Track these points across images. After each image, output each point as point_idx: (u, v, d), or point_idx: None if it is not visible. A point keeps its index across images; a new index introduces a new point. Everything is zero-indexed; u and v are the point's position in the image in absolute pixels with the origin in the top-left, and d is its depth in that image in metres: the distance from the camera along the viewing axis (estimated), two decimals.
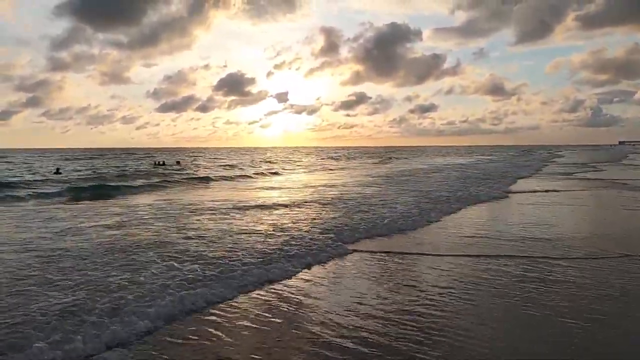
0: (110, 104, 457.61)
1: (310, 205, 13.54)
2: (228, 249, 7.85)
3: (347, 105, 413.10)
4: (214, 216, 11.60)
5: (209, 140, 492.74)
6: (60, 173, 30.14)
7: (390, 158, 62.64)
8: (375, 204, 13.42)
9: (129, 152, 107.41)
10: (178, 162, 44.77)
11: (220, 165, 41.16)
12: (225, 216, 11.61)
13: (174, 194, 18.58)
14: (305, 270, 6.88)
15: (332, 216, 11.34)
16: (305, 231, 9.44)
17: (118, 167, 39.12)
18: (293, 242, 8.36)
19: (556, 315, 4.93)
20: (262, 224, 10.40)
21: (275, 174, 32.59)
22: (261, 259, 7.13)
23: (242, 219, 11.10)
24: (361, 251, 8.06)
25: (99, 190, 19.04)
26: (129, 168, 36.80)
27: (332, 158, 63.65)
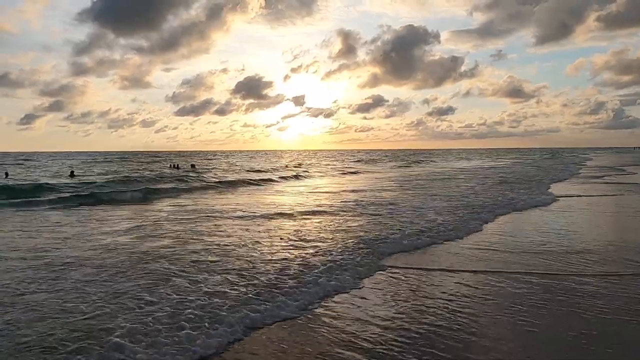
0: (131, 107, 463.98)
1: (340, 213, 12.43)
2: (264, 260, 7.00)
3: (364, 108, 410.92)
4: (242, 223, 10.67)
5: (227, 143, 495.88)
6: (74, 176, 29.93)
7: (417, 161, 60.12)
8: (409, 212, 12.26)
9: (148, 155, 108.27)
10: (193, 166, 44.20)
11: (244, 169, 39.87)
12: (254, 224, 10.69)
13: (201, 199, 17.48)
14: (342, 288, 5.87)
15: (364, 225, 10.26)
16: (337, 243, 8.38)
17: (138, 169, 38.82)
18: (325, 256, 7.35)
19: None
20: (290, 233, 9.40)
21: (298, 177, 31.35)
22: (290, 274, 6.23)
23: (270, 228, 10.14)
24: (397, 267, 6.98)
25: (119, 195, 18.10)
26: (145, 171, 36.09)
27: (354, 161, 62.02)
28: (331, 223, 10.64)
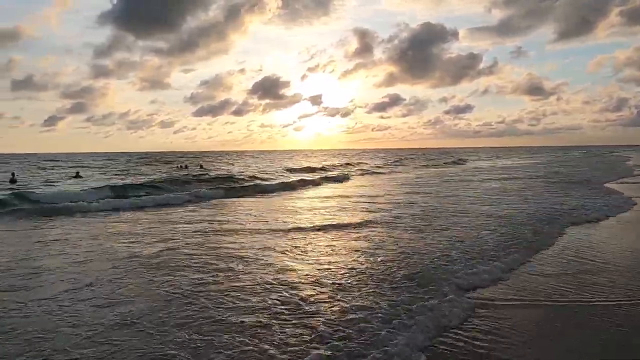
0: (150, 109, 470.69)
1: (395, 225, 10.23)
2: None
3: (381, 107, 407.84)
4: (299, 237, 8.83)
5: (244, 143, 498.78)
6: (80, 177, 29.24)
7: (454, 161, 56.23)
8: (471, 223, 10.20)
9: (166, 155, 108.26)
10: (201, 166, 44.01)
11: (292, 168, 37.61)
12: (307, 237, 8.82)
13: (228, 206, 15.48)
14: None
15: (430, 244, 8.19)
16: (412, 269, 6.43)
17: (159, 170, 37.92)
18: (398, 288, 5.47)
19: None
20: (343, 254, 7.50)
21: (335, 179, 27.50)
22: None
23: (317, 243, 8.27)
24: (490, 302, 5.21)
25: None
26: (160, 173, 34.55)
27: (388, 161, 58.99)
28: (392, 241, 8.69)
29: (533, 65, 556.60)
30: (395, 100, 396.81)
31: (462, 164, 50.43)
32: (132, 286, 5.82)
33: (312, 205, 14.62)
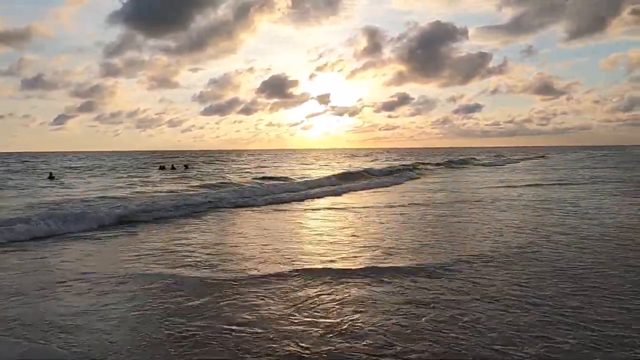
0: (158, 107, 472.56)
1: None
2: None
3: (389, 106, 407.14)
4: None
5: (252, 142, 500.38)
6: (53, 178, 28.68)
7: (463, 160, 54.62)
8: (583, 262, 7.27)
9: (173, 154, 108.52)
10: (186, 166, 43.31)
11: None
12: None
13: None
14: None
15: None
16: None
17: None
18: None
19: None
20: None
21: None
22: None
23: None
24: None
25: None
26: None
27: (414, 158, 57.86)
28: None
29: (544, 64, 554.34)
30: (403, 100, 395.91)
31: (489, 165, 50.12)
32: None
33: None
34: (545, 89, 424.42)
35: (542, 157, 70.94)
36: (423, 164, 44.60)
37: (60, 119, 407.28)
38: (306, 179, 24.65)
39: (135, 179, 28.50)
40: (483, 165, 46.87)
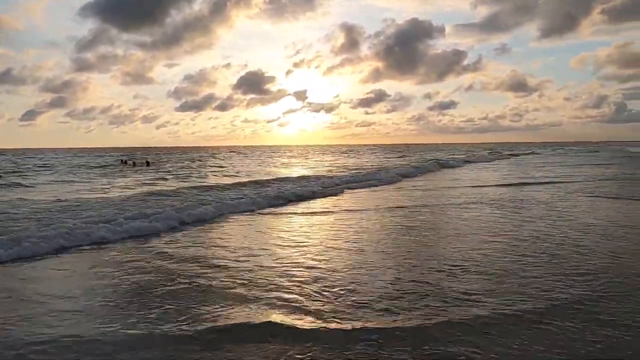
0: (132, 103, 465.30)
1: None
2: None
3: (366, 103, 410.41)
4: None
5: (228, 139, 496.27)
6: (1, 177, 26.58)
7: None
8: None
9: (147, 150, 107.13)
10: (147, 163, 42.09)
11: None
12: None
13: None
14: None
15: None
16: None
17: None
18: None
19: None
20: None
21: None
22: None
23: None
24: None
25: None
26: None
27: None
28: None
29: (517, 62, 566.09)
30: (380, 96, 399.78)
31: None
32: None
33: None
34: (518, 86, 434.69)
35: (532, 153, 68.25)
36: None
37: (30, 115, 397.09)
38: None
39: (75, 179, 25.91)
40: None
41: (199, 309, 4.95)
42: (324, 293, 5.40)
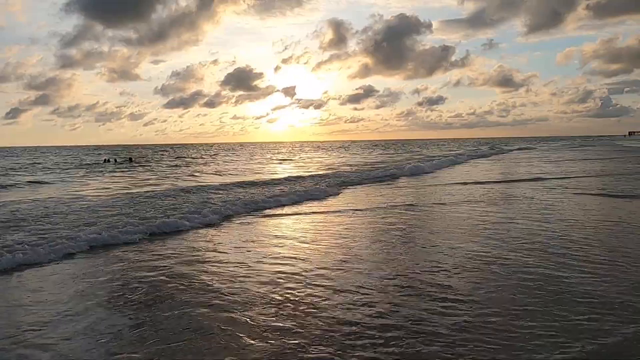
0: (119, 100, 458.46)
1: None
2: None
3: (355, 98, 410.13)
4: None
5: (216, 135, 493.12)
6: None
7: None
8: None
9: (134, 148, 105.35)
10: (130, 159, 42.56)
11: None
12: None
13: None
14: None
15: None
16: None
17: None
18: None
19: None
20: None
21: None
22: None
23: None
24: None
25: None
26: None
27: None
28: None
29: (504, 57, 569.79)
30: (369, 92, 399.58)
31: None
32: None
33: None
34: (505, 81, 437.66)
35: (527, 148, 66.61)
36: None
37: (13, 113, 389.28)
38: None
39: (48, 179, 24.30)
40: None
41: None
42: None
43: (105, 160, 43.52)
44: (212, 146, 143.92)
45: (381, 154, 53.75)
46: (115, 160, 42.19)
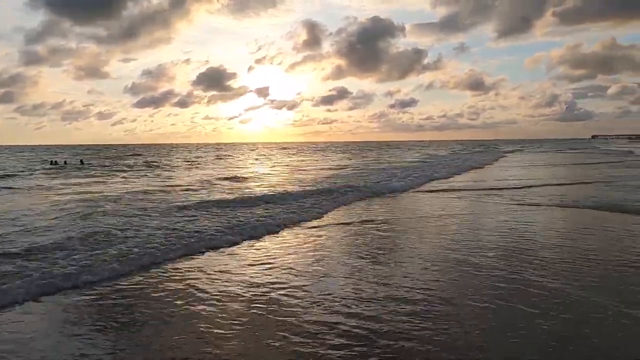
0: (87, 99, 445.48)
1: None
2: None
3: (328, 100, 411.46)
4: None
5: (188, 136, 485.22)
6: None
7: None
8: None
9: (101, 148, 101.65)
10: (82, 162, 40.60)
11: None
12: None
13: None
14: None
15: None
16: None
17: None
18: None
19: None
20: None
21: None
22: None
23: None
24: None
25: None
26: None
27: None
28: None
29: (475, 61, 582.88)
30: (342, 94, 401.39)
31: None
32: None
33: None
34: (476, 85, 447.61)
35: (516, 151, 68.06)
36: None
37: None
38: None
39: None
40: None
41: None
42: None
43: (52, 162, 40.85)
44: (180, 146, 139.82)
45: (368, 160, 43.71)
46: (65, 163, 39.83)
